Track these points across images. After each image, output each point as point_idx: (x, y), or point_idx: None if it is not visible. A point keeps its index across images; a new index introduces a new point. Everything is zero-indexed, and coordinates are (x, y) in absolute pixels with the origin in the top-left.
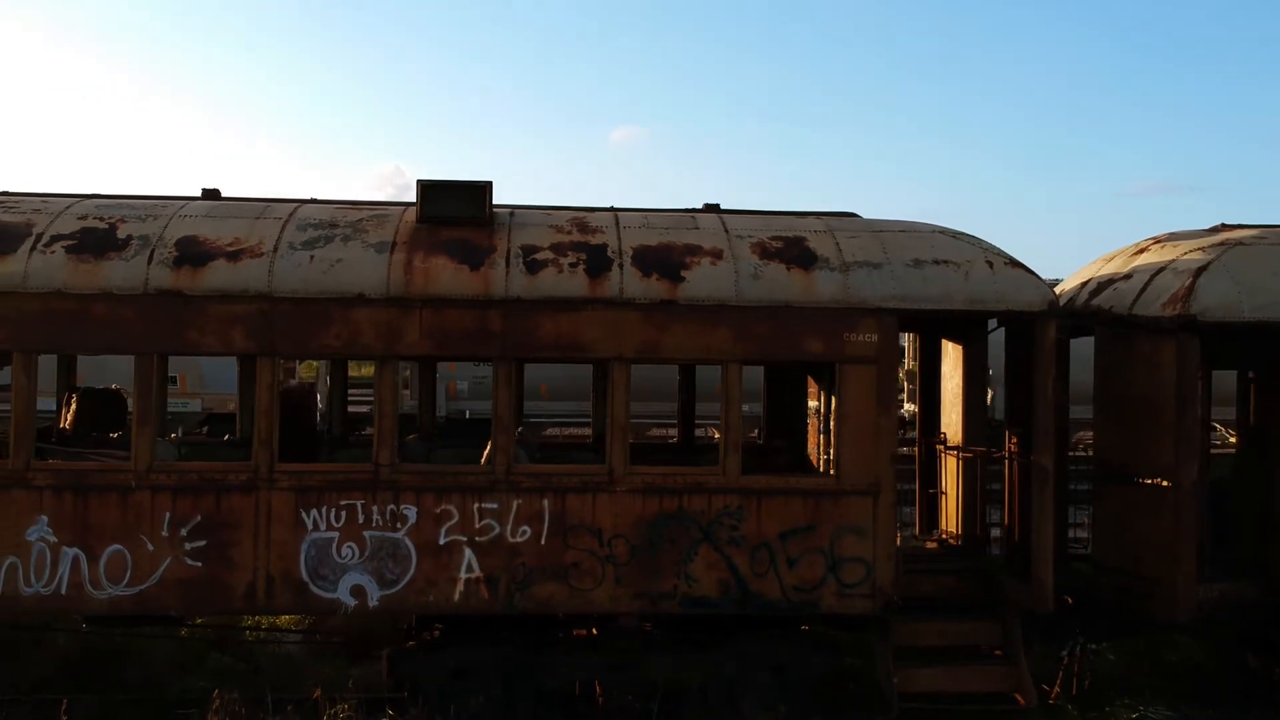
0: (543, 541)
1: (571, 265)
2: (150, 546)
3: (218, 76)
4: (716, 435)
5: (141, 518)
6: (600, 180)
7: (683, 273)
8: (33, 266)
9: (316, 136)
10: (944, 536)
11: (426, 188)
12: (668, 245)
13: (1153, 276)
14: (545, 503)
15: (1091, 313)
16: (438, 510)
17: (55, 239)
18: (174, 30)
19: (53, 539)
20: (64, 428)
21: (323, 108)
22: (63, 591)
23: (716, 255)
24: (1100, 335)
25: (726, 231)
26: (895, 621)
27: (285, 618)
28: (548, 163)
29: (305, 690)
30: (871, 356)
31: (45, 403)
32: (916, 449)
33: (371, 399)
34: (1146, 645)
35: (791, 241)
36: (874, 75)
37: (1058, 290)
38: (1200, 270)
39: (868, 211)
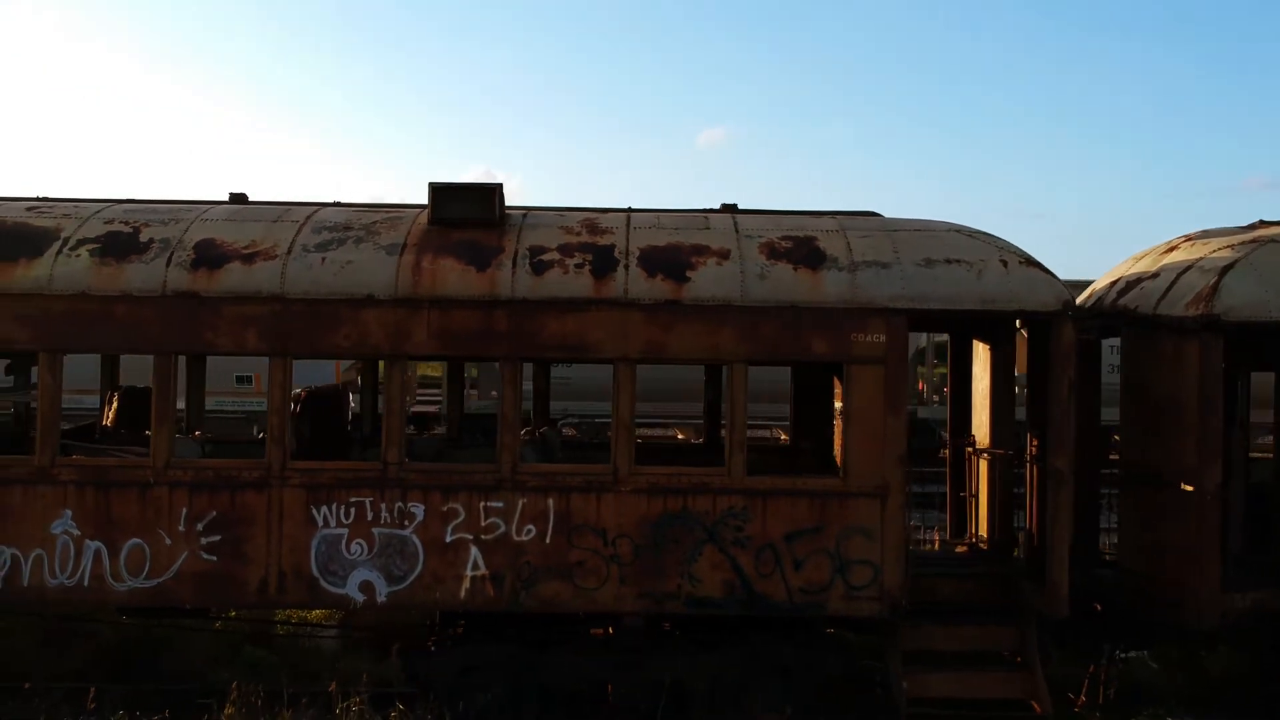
0: (547, 540)
1: (577, 266)
2: (168, 541)
3: (302, 81)
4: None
5: (160, 513)
6: (687, 184)
7: (688, 273)
8: (58, 269)
9: (405, 141)
10: (974, 540)
11: (437, 190)
12: (675, 245)
13: (1179, 275)
14: (550, 502)
15: (1118, 312)
16: (444, 508)
17: (81, 243)
18: (265, 37)
19: (76, 532)
20: (106, 425)
21: (411, 112)
22: (85, 583)
23: (723, 255)
24: (1125, 335)
25: (737, 232)
26: (907, 625)
27: (318, 612)
28: (633, 166)
29: (336, 683)
30: (879, 357)
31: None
32: (947, 451)
33: (437, 398)
34: (1187, 654)
35: (801, 241)
36: (981, 68)
37: (1091, 289)
38: (1226, 268)
39: (966, 215)
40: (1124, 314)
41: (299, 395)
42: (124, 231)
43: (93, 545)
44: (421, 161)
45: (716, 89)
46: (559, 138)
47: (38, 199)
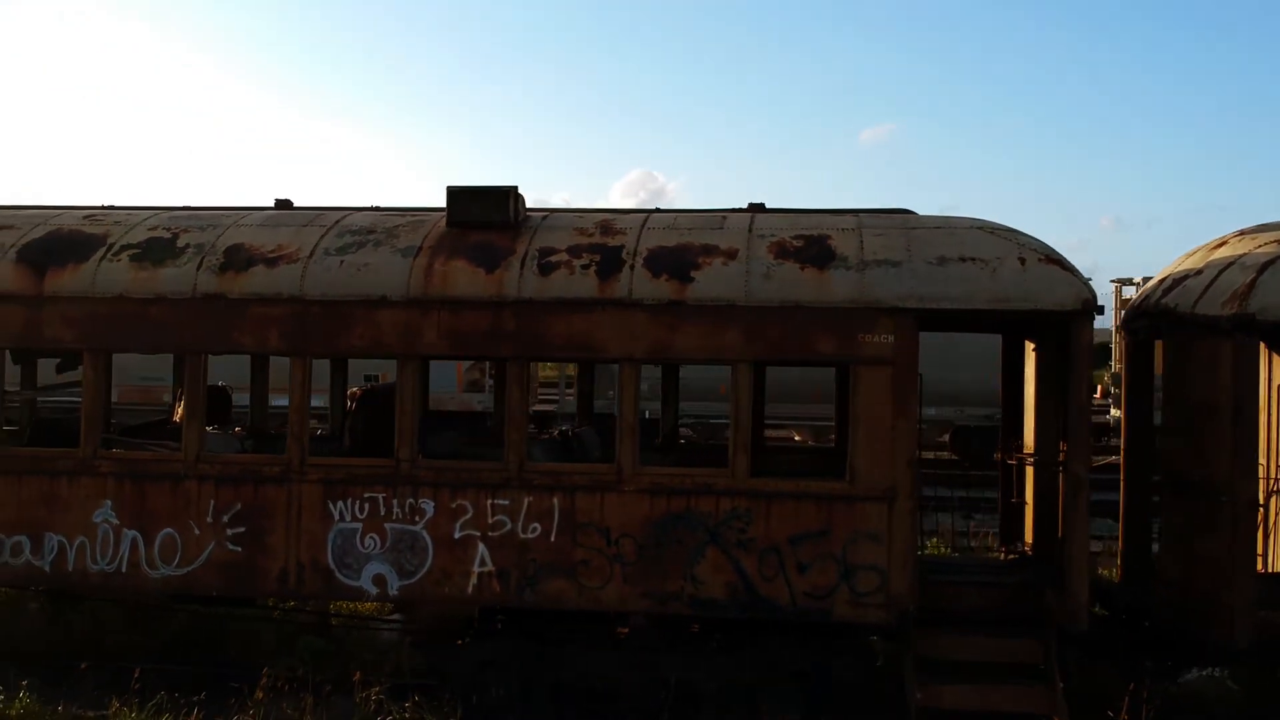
0: (552, 538)
1: (584, 267)
2: (197, 531)
3: (471, 92)
4: (797, 437)
5: (190, 504)
6: (849, 182)
7: (692, 273)
8: (101, 274)
9: (574, 147)
10: (1024, 548)
11: (453, 193)
12: (684, 246)
13: (1220, 272)
14: (555, 501)
15: (1160, 312)
16: (453, 505)
17: (124, 248)
18: (425, 48)
19: (115, 521)
20: (175, 421)
21: (576, 117)
22: (123, 570)
23: (730, 255)
24: (1166, 336)
25: (750, 231)
26: (922, 633)
27: (370, 605)
28: (792, 165)
29: (385, 673)
30: (888, 357)
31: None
32: (999, 456)
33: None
34: (1269, 674)
35: (812, 240)
36: (1171, 59)
37: (1144, 288)
38: (1266, 265)
39: (1135, 217)
40: (1165, 313)
41: (354, 394)
42: (163, 237)
43: (130, 534)
44: (585, 165)
45: (881, 87)
46: (722, 139)
47: (97, 207)
